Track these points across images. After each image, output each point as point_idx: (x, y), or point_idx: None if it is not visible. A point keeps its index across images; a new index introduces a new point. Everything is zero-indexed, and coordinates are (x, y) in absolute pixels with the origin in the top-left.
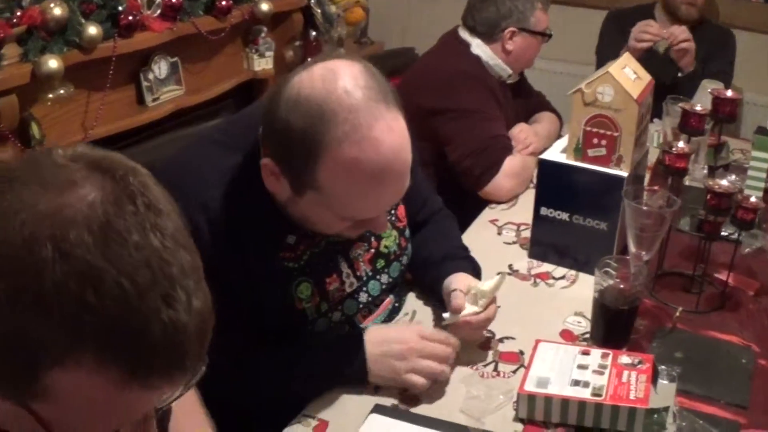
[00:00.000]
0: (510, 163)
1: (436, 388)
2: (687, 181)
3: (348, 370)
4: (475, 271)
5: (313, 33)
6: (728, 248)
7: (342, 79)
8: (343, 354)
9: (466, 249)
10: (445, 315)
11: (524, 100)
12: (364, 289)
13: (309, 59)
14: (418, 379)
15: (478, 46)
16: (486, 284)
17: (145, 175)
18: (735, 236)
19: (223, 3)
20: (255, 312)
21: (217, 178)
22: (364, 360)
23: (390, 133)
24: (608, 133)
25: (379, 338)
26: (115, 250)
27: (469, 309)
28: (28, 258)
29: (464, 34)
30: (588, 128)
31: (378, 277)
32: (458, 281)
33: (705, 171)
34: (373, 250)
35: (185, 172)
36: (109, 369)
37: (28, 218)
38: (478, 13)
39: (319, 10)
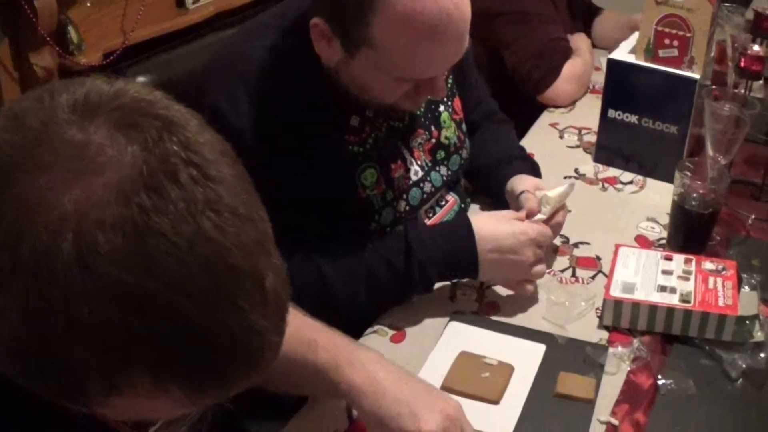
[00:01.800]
0: (570, 67)
1: (515, 295)
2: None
3: (460, 264)
4: (536, 172)
5: None
6: None
7: None
8: (455, 249)
9: (523, 150)
10: None
11: (576, 13)
12: (428, 179)
13: None
14: (530, 287)
15: None
16: (554, 191)
17: (185, 123)
18: None
19: None
20: (314, 204)
21: (274, 63)
22: (476, 261)
23: None
24: (680, 33)
25: (492, 242)
26: (160, 261)
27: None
28: (47, 278)
29: None
30: (659, 28)
31: (438, 168)
32: (523, 183)
33: (761, 81)
34: (433, 140)
35: (240, 60)
36: (170, 389)
37: (37, 225)
38: None
39: None
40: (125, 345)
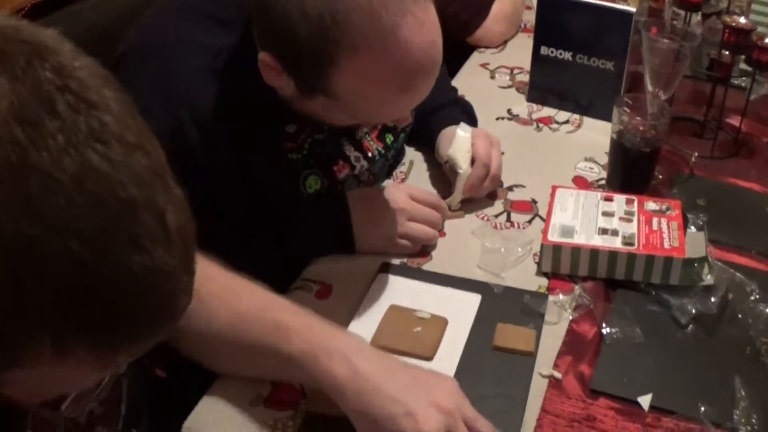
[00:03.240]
0: (499, 5)
1: (447, 242)
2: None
3: (333, 240)
4: (470, 116)
5: None
6: (734, 95)
7: None
8: (327, 223)
9: (455, 91)
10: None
11: None
12: (371, 169)
13: None
14: (407, 244)
15: None
16: (458, 149)
17: (58, 47)
18: (744, 83)
19: None
20: (259, 214)
21: (205, 61)
22: (350, 228)
23: (420, 29)
24: None
25: (364, 203)
26: (43, 202)
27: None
28: None
29: None
30: None
31: (387, 153)
32: (447, 143)
33: (699, 18)
34: (379, 126)
35: (167, 56)
36: (75, 351)
37: None
38: None
39: None
40: (16, 304)
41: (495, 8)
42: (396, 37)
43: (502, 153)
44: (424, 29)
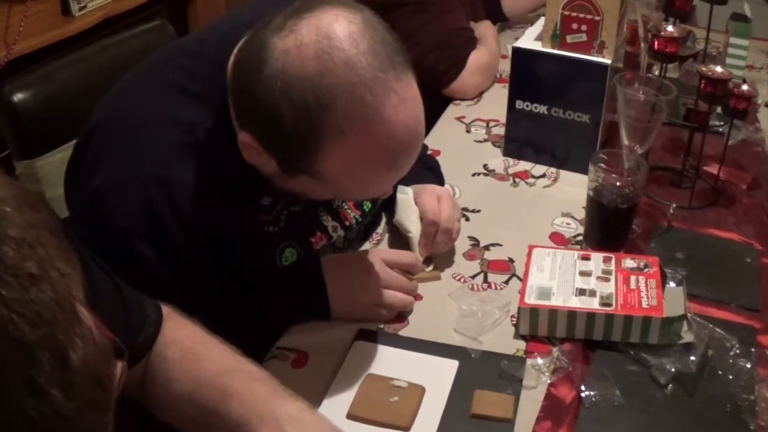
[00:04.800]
0: (475, 58)
1: (424, 306)
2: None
3: (308, 308)
4: (432, 171)
5: None
6: (712, 141)
7: (340, 49)
8: (302, 291)
9: (423, 148)
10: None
11: None
12: (347, 236)
13: (288, 9)
14: (383, 312)
15: None
16: (404, 213)
17: None
18: (722, 128)
19: None
20: (234, 284)
21: (177, 137)
22: (325, 296)
23: (403, 107)
24: (589, 17)
25: (339, 271)
26: None
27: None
28: None
29: None
30: (566, 12)
31: (364, 220)
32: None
33: (675, 62)
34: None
35: (140, 134)
36: None
37: None
38: None
39: None
40: None
41: (471, 60)
42: (380, 117)
43: (478, 210)
44: (407, 107)
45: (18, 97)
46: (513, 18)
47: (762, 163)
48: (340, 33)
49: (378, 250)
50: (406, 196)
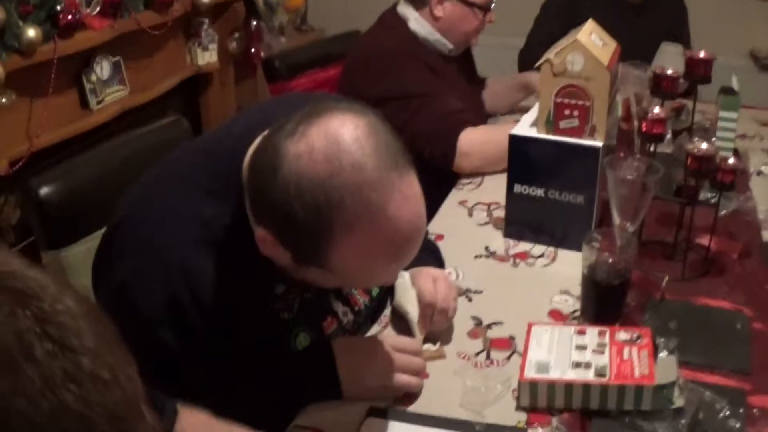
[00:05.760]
0: (466, 139)
1: (432, 383)
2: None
3: (320, 390)
4: (433, 254)
5: (254, 22)
6: (703, 212)
7: (348, 152)
8: (315, 374)
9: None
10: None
11: (469, 80)
12: (357, 320)
13: (298, 114)
14: (393, 394)
15: (416, 21)
16: (405, 300)
17: (40, 292)
18: (714, 199)
19: None
20: (250, 366)
21: (196, 232)
22: (336, 379)
23: (406, 204)
24: (580, 103)
25: (350, 355)
26: None
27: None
28: None
29: (402, 9)
30: (559, 100)
31: (372, 304)
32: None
33: (668, 136)
34: None
35: (163, 229)
36: None
37: None
38: None
39: None
40: None
41: (461, 143)
42: (385, 214)
43: (481, 291)
44: (410, 203)
45: (44, 190)
46: (496, 113)
47: (753, 231)
48: (347, 137)
49: (387, 335)
50: (402, 279)
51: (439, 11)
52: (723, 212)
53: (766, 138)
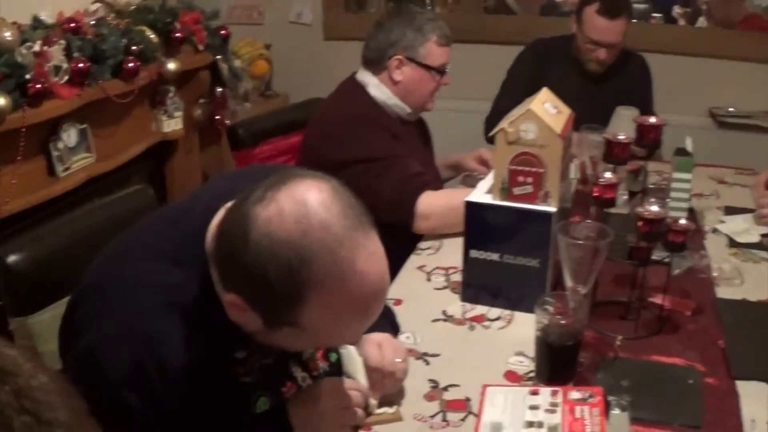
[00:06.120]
0: (424, 203)
1: None
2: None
3: None
4: (388, 319)
5: (219, 89)
6: (659, 271)
7: (316, 213)
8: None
9: None
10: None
11: (426, 143)
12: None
13: (264, 183)
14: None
15: (376, 87)
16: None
17: (17, 369)
18: (666, 260)
19: (131, 65)
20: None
21: (162, 300)
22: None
23: (372, 260)
24: (533, 170)
25: (303, 408)
26: None
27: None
28: None
29: (362, 76)
30: (513, 167)
31: (331, 370)
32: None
33: (625, 197)
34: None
35: (129, 296)
36: None
37: None
38: (370, 41)
39: (225, 66)
40: None
41: (419, 207)
42: (353, 269)
43: (438, 354)
44: (374, 259)
45: (11, 258)
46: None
47: (707, 288)
48: (314, 200)
49: (333, 379)
50: (347, 349)
51: (398, 75)
52: (677, 271)
53: (723, 196)
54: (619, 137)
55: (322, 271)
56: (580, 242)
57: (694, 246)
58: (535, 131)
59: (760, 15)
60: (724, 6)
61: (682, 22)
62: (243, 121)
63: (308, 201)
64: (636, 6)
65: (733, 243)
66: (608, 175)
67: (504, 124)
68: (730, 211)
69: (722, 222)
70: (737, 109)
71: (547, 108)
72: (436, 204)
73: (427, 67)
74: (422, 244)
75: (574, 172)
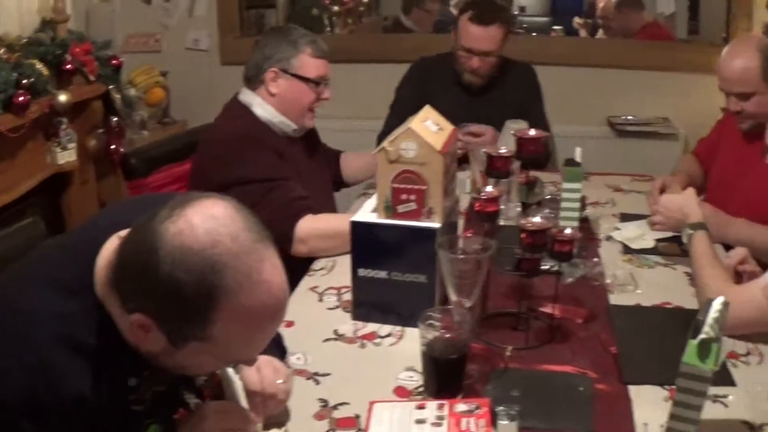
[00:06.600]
0: (303, 227)
1: None
2: (502, 221)
3: None
4: (276, 343)
5: (115, 118)
6: (551, 281)
7: (224, 225)
8: None
9: None
10: None
11: (314, 159)
12: None
13: (170, 204)
14: None
15: (260, 106)
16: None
17: None
18: (555, 269)
19: (21, 99)
20: None
21: (57, 329)
22: None
23: (275, 270)
24: (416, 187)
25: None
26: None
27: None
28: None
29: (244, 96)
30: (396, 185)
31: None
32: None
33: (519, 209)
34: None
35: (23, 325)
36: None
37: None
38: (249, 59)
39: (118, 96)
40: None
41: (298, 230)
42: (261, 277)
43: (328, 374)
44: (277, 270)
45: None
46: (353, 183)
47: (600, 295)
48: (221, 214)
49: (215, 403)
50: (226, 375)
51: (273, 88)
52: (570, 280)
53: (619, 203)
54: (500, 151)
55: (233, 279)
56: (460, 256)
57: (587, 254)
58: (416, 149)
59: (660, 24)
60: (622, 17)
61: (583, 33)
62: (136, 150)
63: (216, 215)
64: (537, 19)
65: (627, 249)
66: (489, 188)
67: (385, 143)
68: (626, 218)
69: (617, 229)
70: (636, 117)
71: (428, 125)
72: (314, 228)
73: (302, 79)
74: (315, 265)
75: (468, 187)
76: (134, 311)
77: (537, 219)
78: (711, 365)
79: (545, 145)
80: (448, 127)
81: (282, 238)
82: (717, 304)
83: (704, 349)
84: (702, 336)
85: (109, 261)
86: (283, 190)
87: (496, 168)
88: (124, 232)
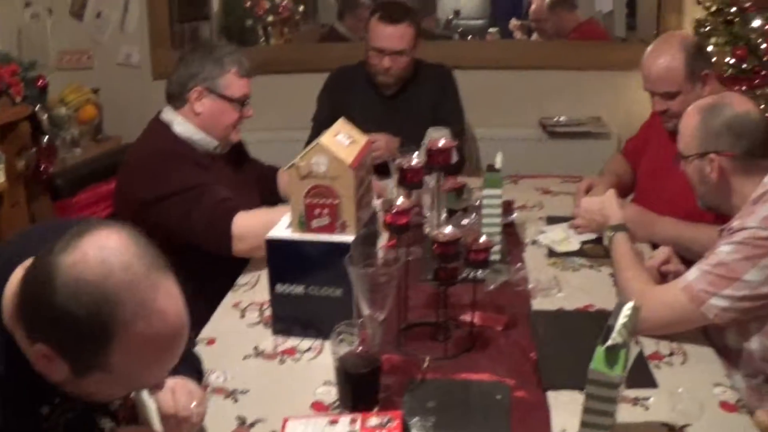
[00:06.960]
0: (238, 225)
1: None
2: (427, 230)
3: None
4: (189, 362)
5: (45, 138)
6: (472, 288)
7: (117, 255)
8: None
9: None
10: None
11: (239, 171)
12: None
13: (67, 235)
14: None
15: (180, 123)
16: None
17: None
18: (472, 276)
19: None
20: None
21: None
22: None
23: (171, 300)
24: (329, 201)
25: None
26: None
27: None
28: None
29: (165, 115)
30: (308, 200)
31: (140, 419)
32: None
33: (444, 215)
34: (132, 394)
35: None
36: None
37: None
38: (172, 76)
39: (45, 116)
40: None
41: (234, 229)
42: (155, 307)
43: (247, 391)
44: (173, 299)
45: None
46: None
47: (523, 301)
48: (114, 244)
49: (128, 427)
50: (140, 397)
51: (198, 107)
52: (492, 286)
53: (546, 206)
54: (411, 162)
55: (127, 310)
56: (369, 270)
57: (511, 259)
58: (326, 163)
59: (595, 22)
60: (556, 17)
61: (518, 35)
62: (62, 170)
63: (109, 245)
64: (473, 22)
65: (552, 253)
66: (400, 201)
67: (296, 159)
68: (552, 220)
69: (543, 232)
70: (569, 118)
71: (339, 139)
72: (250, 224)
73: (228, 99)
74: (240, 280)
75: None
76: (37, 341)
77: (447, 230)
78: (619, 371)
79: (459, 152)
80: (362, 139)
81: (222, 238)
82: (626, 309)
83: (612, 355)
84: (609, 342)
85: (15, 292)
86: (212, 194)
87: (408, 179)
88: (28, 262)
